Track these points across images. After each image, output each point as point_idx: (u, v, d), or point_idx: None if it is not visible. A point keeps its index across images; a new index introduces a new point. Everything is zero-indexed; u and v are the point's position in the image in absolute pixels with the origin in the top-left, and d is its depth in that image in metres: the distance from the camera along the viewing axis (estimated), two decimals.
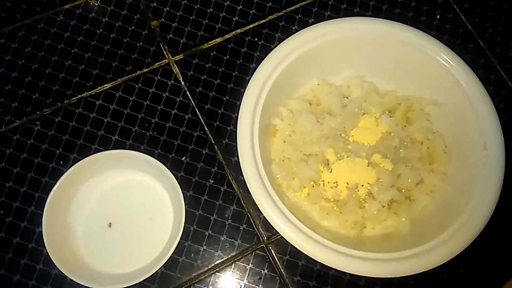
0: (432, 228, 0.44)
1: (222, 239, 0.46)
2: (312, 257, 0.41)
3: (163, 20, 0.53)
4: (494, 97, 0.46)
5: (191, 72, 0.51)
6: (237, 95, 0.51)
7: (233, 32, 0.53)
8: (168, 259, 0.42)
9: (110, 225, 0.45)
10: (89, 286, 0.41)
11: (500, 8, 0.57)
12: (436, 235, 0.42)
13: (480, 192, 0.43)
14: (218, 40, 0.52)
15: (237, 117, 0.45)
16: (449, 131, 0.48)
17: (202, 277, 0.45)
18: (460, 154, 0.47)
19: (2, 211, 0.45)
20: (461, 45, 0.54)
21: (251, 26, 0.53)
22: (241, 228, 0.47)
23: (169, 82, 0.51)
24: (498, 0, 0.57)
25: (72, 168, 0.43)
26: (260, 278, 0.46)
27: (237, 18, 0.53)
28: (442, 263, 0.41)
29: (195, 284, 0.45)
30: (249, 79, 0.47)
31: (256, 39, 0.53)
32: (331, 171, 0.47)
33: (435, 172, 0.48)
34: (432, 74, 0.48)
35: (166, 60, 0.51)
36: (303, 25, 0.53)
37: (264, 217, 0.46)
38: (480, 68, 0.54)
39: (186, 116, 0.50)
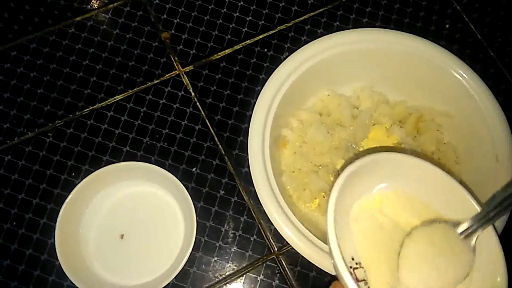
0: None
1: (233, 250, 0.47)
2: (322, 268, 0.41)
3: (173, 31, 0.53)
4: (504, 107, 0.46)
5: (201, 83, 0.51)
6: (247, 106, 0.51)
7: (243, 43, 0.53)
8: (180, 271, 0.42)
9: (122, 236, 0.45)
10: None
11: (510, 18, 0.57)
12: None
13: None
14: (227, 51, 0.53)
15: (246, 128, 0.45)
16: (460, 142, 0.48)
17: None
18: (471, 165, 0.47)
19: (14, 223, 0.46)
20: (471, 55, 0.54)
21: (261, 36, 0.53)
22: (252, 239, 0.47)
23: (179, 93, 0.51)
24: (507, 10, 0.57)
25: (84, 180, 0.43)
26: None
27: (246, 29, 0.54)
28: None
29: None
30: (259, 89, 0.47)
31: (265, 49, 0.53)
32: None
33: None
34: (443, 85, 0.47)
35: (176, 72, 0.52)
36: (312, 35, 0.54)
37: (274, 228, 0.46)
38: (490, 78, 0.53)
39: (196, 127, 0.50)
